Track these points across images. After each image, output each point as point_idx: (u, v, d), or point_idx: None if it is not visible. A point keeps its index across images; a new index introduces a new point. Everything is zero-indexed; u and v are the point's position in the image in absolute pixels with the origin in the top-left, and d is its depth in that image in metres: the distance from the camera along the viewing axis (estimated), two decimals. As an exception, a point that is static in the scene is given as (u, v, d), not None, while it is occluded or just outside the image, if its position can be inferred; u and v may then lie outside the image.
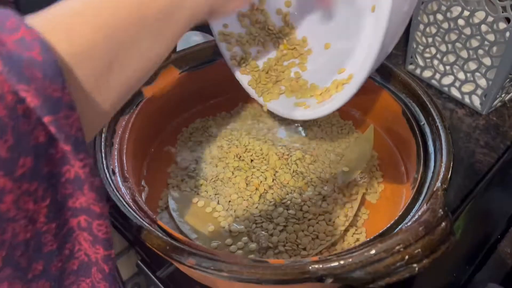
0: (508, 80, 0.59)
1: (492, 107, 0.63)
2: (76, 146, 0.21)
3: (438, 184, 0.38)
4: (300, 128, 0.55)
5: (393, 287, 0.36)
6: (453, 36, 0.61)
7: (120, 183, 0.41)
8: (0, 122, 0.19)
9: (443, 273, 0.46)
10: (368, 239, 0.37)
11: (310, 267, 0.32)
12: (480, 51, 0.59)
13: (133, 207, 0.38)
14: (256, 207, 0.45)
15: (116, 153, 0.44)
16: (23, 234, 0.21)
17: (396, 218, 0.38)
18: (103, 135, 0.44)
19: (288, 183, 0.47)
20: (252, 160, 0.49)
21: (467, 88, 0.64)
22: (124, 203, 0.38)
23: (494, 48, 0.58)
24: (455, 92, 0.65)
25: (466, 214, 0.51)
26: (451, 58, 0.63)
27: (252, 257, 0.41)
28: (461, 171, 0.55)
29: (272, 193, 0.46)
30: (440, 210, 0.33)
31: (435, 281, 0.46)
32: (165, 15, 0.29)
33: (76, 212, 0.23)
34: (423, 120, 0.46)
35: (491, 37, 0.57)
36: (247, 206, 0.45)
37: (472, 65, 0.61)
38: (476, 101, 0.63)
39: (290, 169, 0.48)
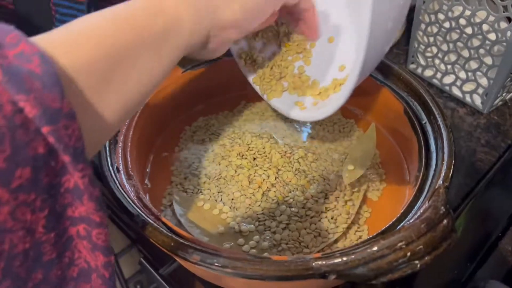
0: (509, 79, 0.59)
1: (493, 106, 0.63)
2: (75, 157, 0.21)
3: (440, 182, 0.39)
4: (303, 127, 0.55)
5: (395, 283, 0.37)
6: (455, 35, 0.61)
7: (124, 180, 0.41)
8: None
9: (445, 270, 0.46)
10: (370, 236, 0.38)
11: (313, 264, 0.33)
12: (481, 51, 0.59)
13: (138, 204, 0.39)
14: (259, 205, 0.46)
15: (120, 151, 0.44)
16: (21, 245, 0.21)
17: (398, 215, 0.38)
18: (107, 133, 0.44)
19: (290, 181, 0.47)
20: (254, 159, 0.50)
21: (468, 87, 0.64)
22: (129, 200, 0.39)
23: (495, 48, 0.58)
24: (456, 91, 0.65)
25: (467, 212, 0.51)
26: (452, 57, 0.64)
27: (254, 253, 0.41)
28: (462, 169, 0.55)
29: (274, 191, 0.47)
30: (442, 207, 0.34)
31: (436, 278, 0.46)
32: (163, 37, 0.31)
33: (75, 221, 0.23)
34: (424, 119, 0.47)
35: (492, 36, 0.57)
36: (250, 204, 0.46)
37: (473, 64, 0.62)
38: (477, 100, 0.64)
39: (292, 167, 0.48)
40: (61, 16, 0.45)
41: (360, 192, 0.48)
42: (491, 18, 0.56)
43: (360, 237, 0.45)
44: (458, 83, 0.64)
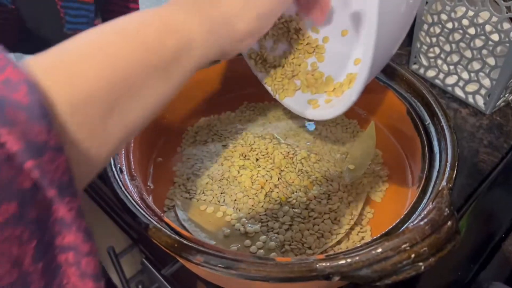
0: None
1: (495, 107, 0.63)
2: (61, 190, 0.21)
3: (444, 183, 0.39)
4: (305, 127, 0.55)
5: (398, 285, 0.36)
6: (457, 36, 0.61)
7: (127, 181, 0.41)
8: None
9: (448, 271, 0.46)
10: (373, 237, 0.37)
11: (317, 265, 0.33)
12: (484, 51, 0.59)
13: (141, 205, 0.39)
14: (262, 206, 0.46)
15: (123, 152, 0.44)
16: (7, 278, 0.20)
17: (402, 216, 0.38)
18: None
19: (293, 182, 0.47)
20: (257, 159, 0.50)
21: (471, 87, 0.64)
22: (132, 201, 0.38)
23: (498, 48, 0.58)
24: (459, 92, 0.65)
25: (470, 213, 0.51)
26: (455, 58, 0.64)
27: (261, 255, 0.41)
28: (465, 170, 0.55)
29: (277, 192, 0.47)
30: (446, 209, 0.34)
31: (439, 279, 0.46)
32: (174, 58, 0.28)
33: (64, 249, 0.22)
34: (428, 120, 0.47)
35: (495, 37, 0.57)
36: (253, 205, 0.46)
37: (476, 65, 0.62)
38: (480, 101, 0.64)
39: (295, 168, 0.48)
40: (71, 18, 0.45)
41: (363, 193, 0.48)
42: (494, 19, 0.56)
43: (363, 238, 0.45)
44: (461, 83, 0.64)
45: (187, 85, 0.56)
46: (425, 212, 0.35)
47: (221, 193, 0.47)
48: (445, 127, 0.44)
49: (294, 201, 0.46)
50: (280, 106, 0.57)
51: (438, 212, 0.33)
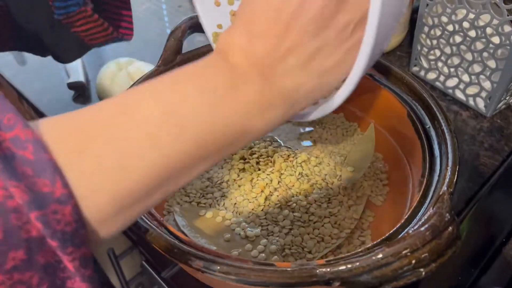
0: (512, 82, 0.59)
1: (496, 110, 0.63)
2: (63, 241, 0.21)
3: (444, 188, 0.38)
4: (306, 130, 0.55)
5: (398, 290, 0.36)
6: (458, 39, 0.61)
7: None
8: None
9: (448, 276, 0.46)
10: (374, 242, 0.37)
11: (317, 271, 0.32)
12: (485, 54, 0.59)
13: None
14: (262, 209, 0.46)
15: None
16: None
17: (402, 221, 0.38)
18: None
19: (293, 186, 0.47)
20: (257, 162, 0.50)
21: (472, 90, 0.64)
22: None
23: (499, 51, 0.58)
24: (459, 94, 0.65)
25: (471, 217, 0.51)
26: (456, 60, 0.63)
27: (262, 259, 0.41)
28: (466, 173, 0.55)
29: (277, 195, 0.46)
30: (447, 214, 0.33)
31: (440, 284, 0.46)
32: (230, 145, 0.27)
33: None
34: (428, 123, 0.46)
35: (496, 39, 0.57)
36: (252, 209, 0.46)
37: (477, 68, 0.61)
38: (481, 104, 0.63)
39: (295, 172, 0.48)
40: (60, 3, 0.44)
41: (363, 197, 0.48)
42: (495, 22, 0.56)
43: (363, 242, 0.45)
44: (461, 86, 0.64)
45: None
46: (425, 217, 0.35)
47: (221, 197, 0.47)
48: (445, 130, 0.44)
49: (294, 204, 0.46)
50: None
51: (439, 217, 0.33)
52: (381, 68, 0.51)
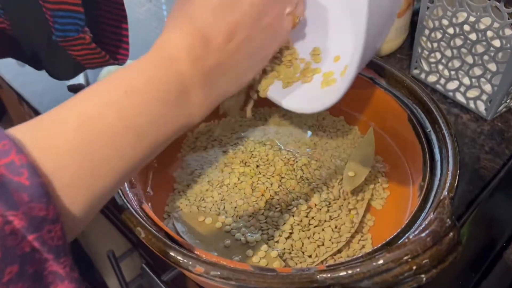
0: (513, 86, 0.59)
1: (497, 113, 0.63)
2: (57, 254, 0.24)
3: (445, 192, 0.38)
4: (306, 133, 0.55)
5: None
6: (459, 42, 0.61)
7: (127, 189, 0.41)
8: None
9: (449, 280, 0.46)
10: (374, 247, 0.37)
11: (318, 276, 0.32)
12: (486, 57, 0.59)
13: (140, 214, 0.38)
14: (262, 213, 0.46)
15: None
16: None
17: (403, 226, 0.38)
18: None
19: (294, 189, 0.47)
20: (258, 166, 0.50)
21: (472, 93, 0.64)
22: (132, 209, 0.38)
23: (500, 54, 0.58)
24: (460, 97, 0.65)
25: (472, 220, 0.51)
26: (456, 63, 0.63)
27: (263, 265, 0.41)
28: (466, 177, 0.55)
29: (278, 199, 0.46)
30: (448, 219, 0.33)
31: (441, 289, 0.46)
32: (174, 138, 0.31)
33: None
34: (429, 127, 0.46)
35: (496, 43, 0.57)
36: (253, 213, 0.46)
37: (477, 71, 0.61)
38: (481, 107, 0.63)
39: (296, 175, 0.48)
40: (59, 26, 0.44)
41: (364, 201, 0.47)
42: (496, 25, 0.56)
43: (364, 246, 0.45)
44: (462, 89, 0.64)
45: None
46: (426, 223, 0.35)
47: (221, 200, 0.47)
48: (446, 134, 0.44)
49: (295, 209, 0.46)
50: (280, 112, 0.56)
51: (439, 223, 0.33)
52: (382, 71, 0.51)
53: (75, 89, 0.71)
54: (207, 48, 0.31)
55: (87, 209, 0.27)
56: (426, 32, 0.64)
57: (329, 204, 0.47)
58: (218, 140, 0.54)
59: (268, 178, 0.48)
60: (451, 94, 0.66)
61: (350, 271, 0.32)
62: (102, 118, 0.27)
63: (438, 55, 0.65)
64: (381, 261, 0.32)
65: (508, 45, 0.55)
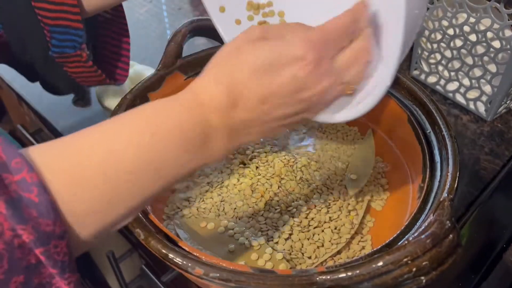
0: (513, 87, 0.59)
1: (497, 114, 0.63)
2: (62, 269, 0.25)
3: (445, 194, 0.38)
4: (306, 134, 0.55)
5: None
6: (459, 43, 0.61)
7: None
8: None
9: (449, 282, 0.46)
10: (374, 249, 0.37)
11: (317, 278, 0.32)
12: (486, 58, 0.59)
13: (140, 215, 0.38)
14: (262, 215, 0.45)
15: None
16: None
17: (403, 228, 0.38)
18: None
19: (293, 191, 0.47)
20: (257, 167, 0.49)
21: (472, 94, 0.64)
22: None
23: (500, 55, 0.58)
24: (460, 98, 0.65)
25: (472, 222, 0.51)
26: (456, 64, 0.63)
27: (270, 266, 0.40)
28: (466, 178, 0.55)
29: (277, 201, 0.46)
30: (448, 221, 0.33)
31: (440, 290, 0.46)
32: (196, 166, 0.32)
33: None
34: (429, 129, 0.46)
35: (496, 44, 0.57)
36: (253, 214, 0.45)
37: (477, 72, 0.61)
38: (481, 108, 0.63)
39: (296, 176, 0.48)
40: (57, 42, 0.44)
41: (363, 202, 0.47)
42: (496, 26, 0.56)
43: (363, 247, 0.45)
44: (462, 90, 0.64)
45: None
46: (426, 224, 0.35)
47: (221, 201, 0.47)
48: (446, 136, 0.44)
49: (294, 210, 0.46)
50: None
51: (439, 225, 0.33)
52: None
53: (75, 89, 0.71)
54: (237, 106, 0.31)
55: (97, 235, 0.28)
56: (426, 33, 0.64)
57: (329, 205, 0.46)
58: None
59: (267, 179, 0.48)
60: (451, 95, 0.66)
61: (349, 273, 0.32)
62: (126, 156, 0.28)
63: (438, 56, 0.65)
64: (380, 263, 0.31)
65: (508, 46, 0.55)
